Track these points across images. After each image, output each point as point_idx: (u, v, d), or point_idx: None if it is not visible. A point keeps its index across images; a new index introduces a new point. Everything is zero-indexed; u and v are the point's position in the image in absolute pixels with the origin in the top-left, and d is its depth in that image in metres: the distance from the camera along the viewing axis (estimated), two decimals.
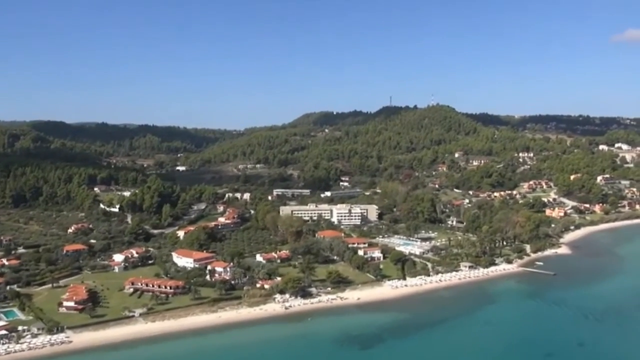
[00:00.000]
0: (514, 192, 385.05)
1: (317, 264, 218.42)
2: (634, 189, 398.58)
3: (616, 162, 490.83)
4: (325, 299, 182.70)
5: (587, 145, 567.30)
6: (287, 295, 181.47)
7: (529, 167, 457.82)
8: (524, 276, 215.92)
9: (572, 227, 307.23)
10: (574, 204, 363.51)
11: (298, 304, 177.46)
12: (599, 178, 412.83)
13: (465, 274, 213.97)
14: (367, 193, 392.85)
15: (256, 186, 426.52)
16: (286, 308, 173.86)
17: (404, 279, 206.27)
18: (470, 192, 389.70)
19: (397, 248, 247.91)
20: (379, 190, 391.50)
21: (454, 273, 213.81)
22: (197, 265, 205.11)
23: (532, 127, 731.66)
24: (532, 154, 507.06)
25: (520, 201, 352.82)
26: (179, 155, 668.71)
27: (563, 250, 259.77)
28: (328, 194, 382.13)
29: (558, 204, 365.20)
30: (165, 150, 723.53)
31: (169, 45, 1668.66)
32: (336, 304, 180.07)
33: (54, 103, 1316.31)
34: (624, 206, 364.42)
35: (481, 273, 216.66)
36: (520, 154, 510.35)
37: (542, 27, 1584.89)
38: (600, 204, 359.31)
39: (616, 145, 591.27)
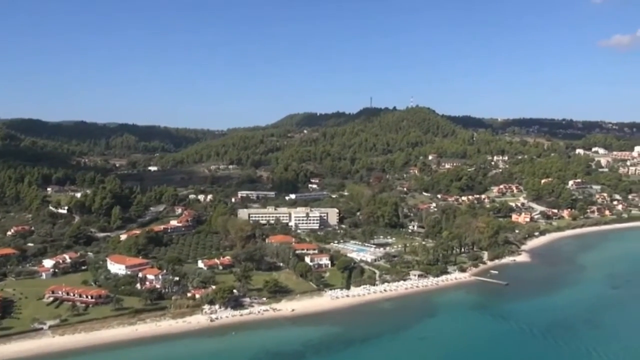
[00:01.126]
0: (483, 196, 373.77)
1: (261, 271, 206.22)
2: (605, 194, 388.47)
3: (591, 167, 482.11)
4: (256, 311, 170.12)
5: (563, 149, 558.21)
6: (217, 306, 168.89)
7: (500, 170, 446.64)
8: (475, 286, 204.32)
9: (536, 234, 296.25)
10: (543, 209, 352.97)
11: (226, 315, 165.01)
12: (571, 183, 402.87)
13: (414, 284, 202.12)
14: (334, 196, 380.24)
15: (223, 188, 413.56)
16: (212, 320, 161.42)
17: (348, 288, 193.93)
18: (439, 196, 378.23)
19: (349, 254, 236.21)
20: (346, 193, 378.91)
21: (401, 282, 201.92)
22: (129, 272, 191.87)
23: (512, 130, 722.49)
24: (506, 158, 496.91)
25: (487, 205, 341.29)
26: (155, 155, 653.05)
27: (522, 257, 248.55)
28: (293, 196, 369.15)
29: (526, 208, 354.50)
30: (142, 150, 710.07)
31: (155, 46, 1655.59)
32: (267, 316, 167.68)
33: (35, 102, 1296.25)
34: (593, 212, 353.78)
35: (430, 282, 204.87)
36: (495, 157, 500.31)
37: (530, 31, 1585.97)
38: (569, 210, 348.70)
39: (593, 149, 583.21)
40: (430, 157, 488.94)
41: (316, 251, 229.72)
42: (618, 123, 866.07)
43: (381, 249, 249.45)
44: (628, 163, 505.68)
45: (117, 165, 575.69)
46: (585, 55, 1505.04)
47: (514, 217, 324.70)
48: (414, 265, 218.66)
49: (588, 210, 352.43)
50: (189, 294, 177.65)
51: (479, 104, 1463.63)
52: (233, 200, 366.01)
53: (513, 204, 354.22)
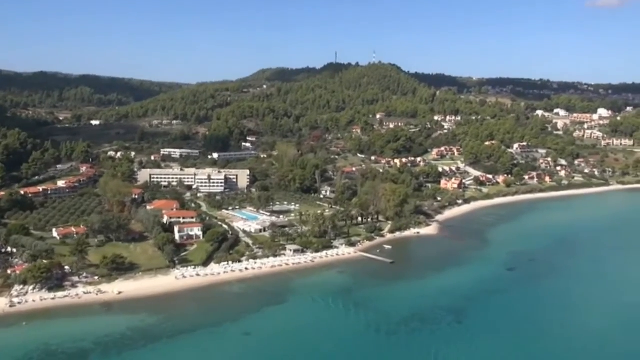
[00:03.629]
0: (419, 159, 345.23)
1: (121, 242, 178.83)
2: (549, 159, 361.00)
3: (547, 129, 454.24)
4: (75, 294, 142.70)
5: (523, 110, 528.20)
6: (29, 287, 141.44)
7: (445, 132, 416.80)
8: (354, 265, 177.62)
9: (459, 202, 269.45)
10: (479, 174, 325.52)
11: (33, 299, 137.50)
12: (515, 146, 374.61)
13: (286, 261, 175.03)
14: (264, 156, 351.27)
15: (151, 144, 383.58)
16: (12, 305, 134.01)
17: (206, 265, 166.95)
18: (373, 158, 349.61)
19: (235, 224, 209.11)
20: (275, 153, 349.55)
21: (271, 259, 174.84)
22: None
23: (477, 90, 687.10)
24: (459, 118, 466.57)
25: (417, 169, 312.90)
26: (105, 108, 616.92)
27: (429, 230, 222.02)
28: (216, 155, 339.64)
29: (461, 173, 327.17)
30: (97, 103, 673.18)
31: None
32: (85, 300, 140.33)
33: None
34: (532, 178, 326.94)
35: (307, 259, 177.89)
36: (448, 118, 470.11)
37: None
38: (507, 175, 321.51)
39: (555, 111, 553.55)
40: (378, 116, 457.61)
41: (194, 219, 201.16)
42: (595, 85, 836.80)
43: (279, 217, 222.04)
44: (585, 126, 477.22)
45: (61, 118, 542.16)
46: (572, 16, 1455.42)
47: (443, 182, 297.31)
48: (295, 238, 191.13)
49: (526, 177, 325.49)
50: (9, 271, 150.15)
51: (460, 64, 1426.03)
52: (153, 158, 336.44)
53: (447, 168, 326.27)
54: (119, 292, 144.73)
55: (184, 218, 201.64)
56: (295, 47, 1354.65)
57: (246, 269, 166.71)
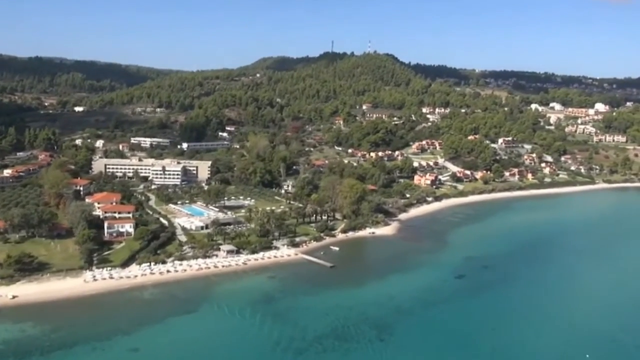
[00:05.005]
0: (397, 153, 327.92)
1: (49, 239, 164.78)
2: (534, 155, 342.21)
3: (539, 123, 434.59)
4: None
5: (517, 103, 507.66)
6: None
7: (429, 125, 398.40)
8: (290, 268, 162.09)
9: (429, 199, 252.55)
10: (458, 169, 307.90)
11: None
12: (500, 141, 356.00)
13: (215, 263, 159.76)
14: (237, 146, 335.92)
15: (125, 132, 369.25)
16: None
17: (125, 266, 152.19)
18: (350, 151, 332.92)
19: (177, 220, 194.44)
20: (248, 144, 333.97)
21: (199, 261, 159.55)
22: None
23: (475, 81, 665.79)
24: (448, 110, 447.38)
25: (390, 164, 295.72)
26: (95, 95, 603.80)
27: (386, 230, 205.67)
28: (185, 145, 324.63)
29: (439, 168, 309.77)
30: (88, 89, 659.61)
31: None
32: None
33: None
34: (513, 174, 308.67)
35: (238, 262, 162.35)
36: (437, 110, 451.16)
37: None
38: (486, 171, 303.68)
39: (551, 105, 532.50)
40: (364, 107, 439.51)
41: (130, 214, 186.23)
42: (600, 79, 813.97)
43: (227, 213, 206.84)
44: (579, 121, 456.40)
45: (47, 104, 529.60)
46: (582, 9, 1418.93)
47: (416, 178, 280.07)
48: (233, 237, 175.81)
49: (507, 173, 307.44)
50: None
51: (466, 56, 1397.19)
52: (121, 147, 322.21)
53: (424, 163, 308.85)
54: (13, 297, 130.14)
55: (119, 213, 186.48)
56: (296, 36, 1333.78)
57: (168, 271, 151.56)
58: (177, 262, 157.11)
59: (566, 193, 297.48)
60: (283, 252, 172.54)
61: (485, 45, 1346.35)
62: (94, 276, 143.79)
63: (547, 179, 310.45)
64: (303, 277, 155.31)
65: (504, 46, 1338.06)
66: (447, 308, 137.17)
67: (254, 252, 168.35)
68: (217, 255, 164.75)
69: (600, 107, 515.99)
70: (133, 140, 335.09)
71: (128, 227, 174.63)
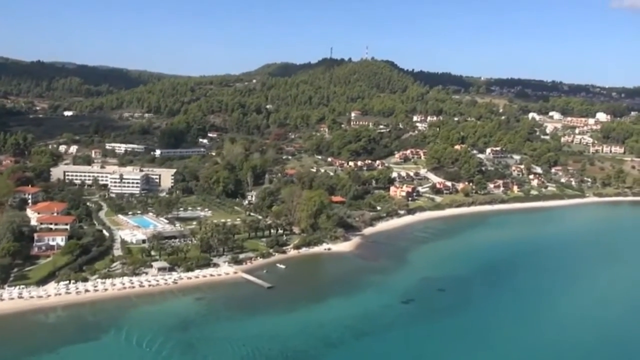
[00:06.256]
0: (377, 162, 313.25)
1: None
2: (522, 166, 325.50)
3: (534, 133, 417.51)
4: None
5: (514, 112, 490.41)
6: None
7: (415, 133, 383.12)
8: (224, 288, 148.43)
9: (401, 212, 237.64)
10: (440, 180, 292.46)
11: None
12: (488, 151, 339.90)
13: (142, 281, 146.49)
14: (213, 154, 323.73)
15: (103, 138, 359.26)
16: None
17: (41, 284, 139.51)
18: (329, 159, 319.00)
19: (120, 232, 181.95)
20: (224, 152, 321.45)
21: (125, 279, 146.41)
22: None
23: (476, 89, 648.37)
24: (440, 118, 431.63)
25: (367, 174, 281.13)
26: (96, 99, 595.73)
27: (344, 246, 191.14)
28: (158, 152, 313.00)
29: (420, 179, 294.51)
30: (85, 93, 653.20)
31: None
32: None
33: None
34: (498, 186, 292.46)
35: (168, 280, 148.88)
36: (429, 118, 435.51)
37: None
38: (469, 183, 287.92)
39: (550, 113, 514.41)
40: (353, 114, 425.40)
41: (67, 226, 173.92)
42: (609, 88, 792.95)
43: (176, 225, 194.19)
44: (577, 131, 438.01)
45: (38, 108, 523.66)
46: (595, 16, 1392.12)
47: (392, 189, 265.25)
48: (169, 253, 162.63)
49: (492, 185, 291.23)
50: None
51: (473, 64, 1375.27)
52: (93, 153, 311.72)
53: (404, 173, 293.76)
54: None
55: (56, 224, 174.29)
56: (300, 42, 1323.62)
57: (87, 290, 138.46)
58: (99, 281, 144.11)
59: (552, 207, 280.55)
60: (221, 270, 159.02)
61: (494, 53, 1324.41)
62: (1, 295, 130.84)
63: (534, 192, 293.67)
64: (234, 299, 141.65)
65: (512, 54, 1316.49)
66: (383, 338, 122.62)
67: (189, 269, 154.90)
68: (147, 273, 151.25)
69: (601, 116, 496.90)
70: (108, 146, 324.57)
71: (60, 240, 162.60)
